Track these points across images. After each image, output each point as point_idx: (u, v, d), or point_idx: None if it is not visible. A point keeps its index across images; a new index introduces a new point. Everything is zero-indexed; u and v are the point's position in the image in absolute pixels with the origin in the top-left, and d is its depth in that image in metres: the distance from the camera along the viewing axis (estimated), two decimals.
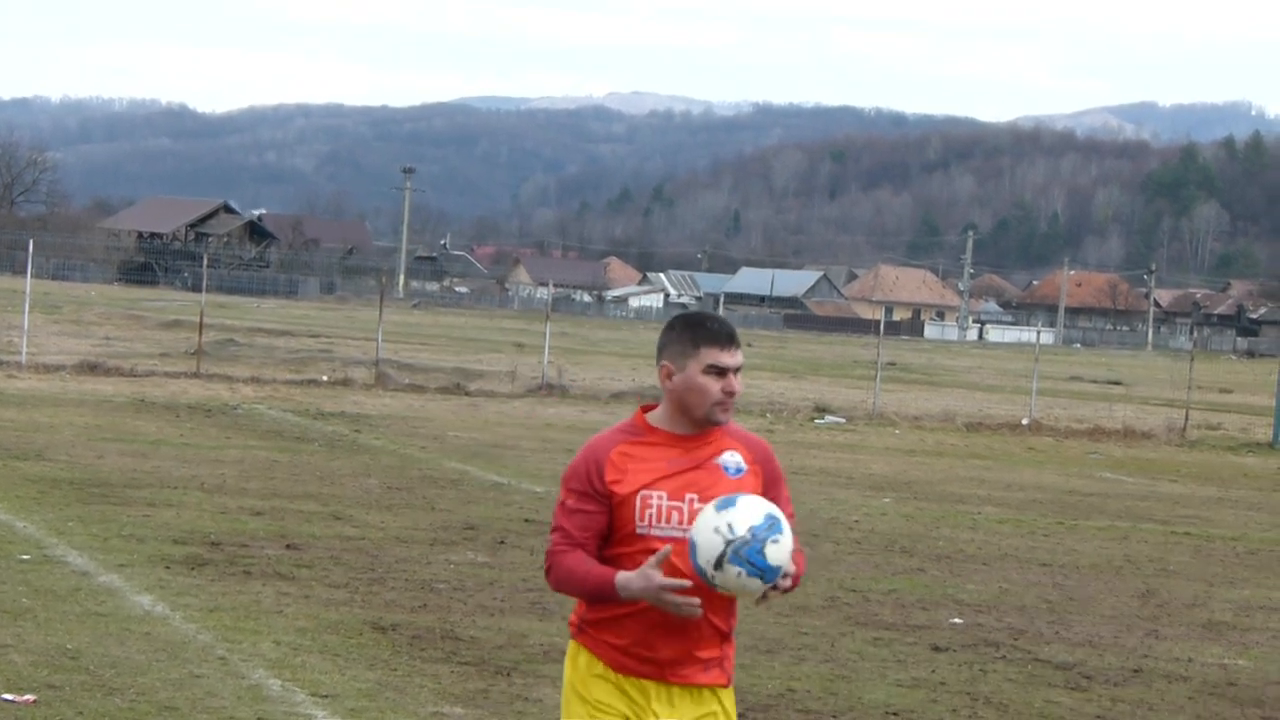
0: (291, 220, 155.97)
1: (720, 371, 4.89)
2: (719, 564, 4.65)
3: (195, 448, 20.75)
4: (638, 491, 4.84)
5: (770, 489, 4.96)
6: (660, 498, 4.84)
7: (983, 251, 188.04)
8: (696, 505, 4.82)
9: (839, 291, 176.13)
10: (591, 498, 4.88)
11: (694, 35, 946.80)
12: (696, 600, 4.71)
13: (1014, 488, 22.92)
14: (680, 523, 4.82)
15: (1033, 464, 27.20)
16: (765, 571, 4.66)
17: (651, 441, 4.91)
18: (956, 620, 12.44)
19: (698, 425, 4.92)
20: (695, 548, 4.68)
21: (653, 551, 4.78)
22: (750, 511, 4.69)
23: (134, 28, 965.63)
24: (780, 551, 4.68)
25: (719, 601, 4.87)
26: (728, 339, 4.93)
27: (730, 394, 4.91)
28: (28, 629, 10.05)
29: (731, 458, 4.93)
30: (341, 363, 38.91)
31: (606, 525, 4.88)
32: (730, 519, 4.66)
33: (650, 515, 4.83)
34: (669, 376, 4.93)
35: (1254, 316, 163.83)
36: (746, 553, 4.64)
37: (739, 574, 4.65)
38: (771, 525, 4.68)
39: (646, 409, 5.01)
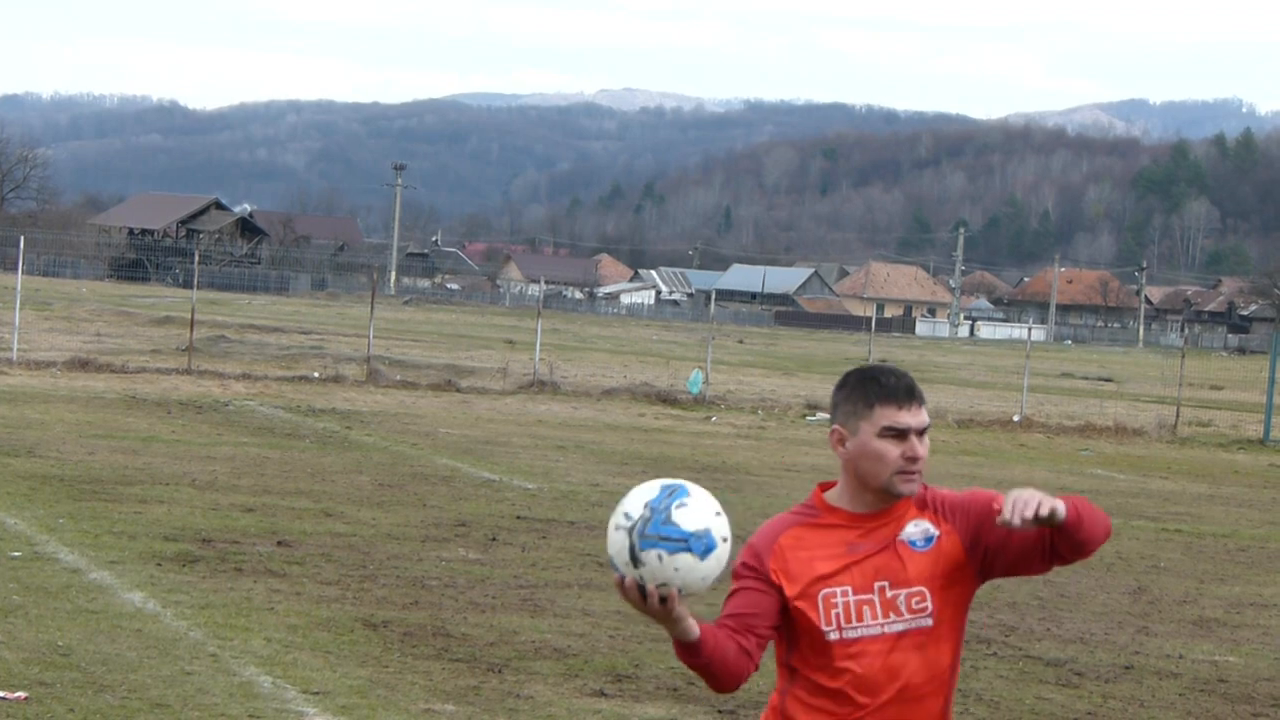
0: (282, 217, 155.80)
1: (899, 434, 4.24)
2: (634, 560, 4.03)
3: (186, 444, 20.73)
4: (816, 591, 4.23)
5: (980, 536, 4.33)
6: (845, 593, 4.23)
7: (974, 248, 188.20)
8: (889, 593, 4.23)
9: (830, 288, 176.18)
10: (755, 577, 4.27)
11: (686, 33, 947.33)
12: (667, 592, 4.06)
13: (1005, 484, 22.93)
14: (875, 618, 4.22)
15: (1024, 460, 27.23)
16: (689, 539, 4.03)
17: (828, 524, 4.29)
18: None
19: (880, 499, 4.28)
20: (611, 562, 4.09)
21: (855, 656, 4.20)
22: (643, 491, 4.11)
23: (125, 24, 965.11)
24: (693, 513, 4.06)
25: (943, 679, 4.30)
26: (907, 394, 4.28)
27: (913, 460, 4.25)
28: (19, 626, 10.04)
29: (916, 528, 4.31)
30: (333, 359, 38.88)
31: (772, 607, 4.25)
32: (624, 509, 4.08)
33: (837, 616, 4.21)
34: (841, 443, 4.29)
35: (1245, 313, 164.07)
36: (651, 529, 4.02)
37: (659, 556, 4.01)
38: (671, 492, 4.08)
39: (825, 486, 4.38)
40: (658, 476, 21.71)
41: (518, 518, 16.21)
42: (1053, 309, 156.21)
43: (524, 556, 13.92)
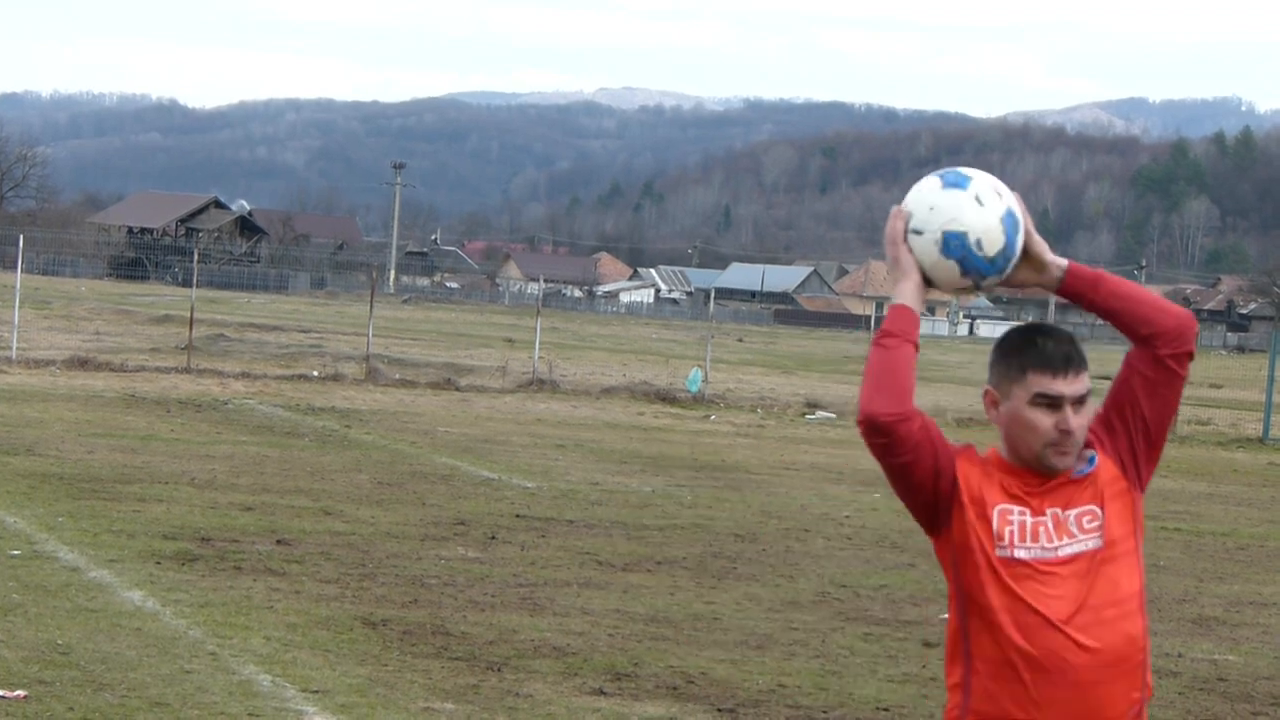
0: (282, 215, 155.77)
1: (1053, 403, 4.02)
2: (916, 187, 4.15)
3: (185, 443, 20.73)
4: (993, 504, 4.08)
5: (1117, 423, 4.17)
6: (1022, 513, 4.06)
7: None
8: (1061, 515, 4.06)
9: (830, 287, 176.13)
10: (937, 445, 4.13)
11: (685, 32, 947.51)
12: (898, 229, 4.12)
13: None
14: (1050, 540, 4.05)
15: None
16: (950, 172, 4.11)
17: (1001, 470, 4.14)
18: (947, 616, 12.44)
19: (1032, 467, 4.10)
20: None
21: (1029, 578, 4.06)
22: None
23: (125, 24, 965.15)
24: (976, 172, 4.09)
25: (1129, 605, 4.09)
26: (1063, 362, 4.03)
27: (1067, 432, 4.02)
28: (18, 624, 10.04)
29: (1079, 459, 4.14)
30: (332, 358, 38.87)
31: (935, 465, 4.11)
32: None
33: (1011, 533, 4.04)
34: (994, 405, 4.14)
35: (1244, 312, 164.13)
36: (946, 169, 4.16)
37: (924, 178, 4.14)
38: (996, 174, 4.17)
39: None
40: (657, 475, 21.58)
41: (517, 516, 16.21)
42: (1052, 307, 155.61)
43: (523, 555, 13.92)
